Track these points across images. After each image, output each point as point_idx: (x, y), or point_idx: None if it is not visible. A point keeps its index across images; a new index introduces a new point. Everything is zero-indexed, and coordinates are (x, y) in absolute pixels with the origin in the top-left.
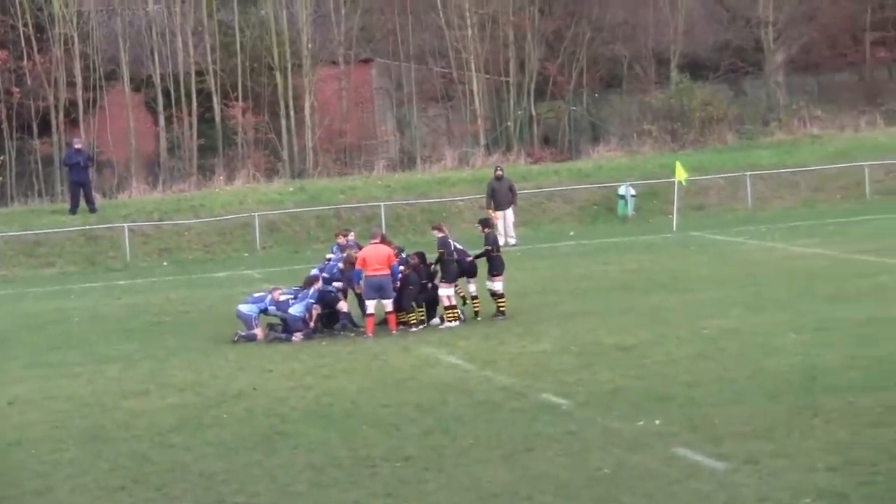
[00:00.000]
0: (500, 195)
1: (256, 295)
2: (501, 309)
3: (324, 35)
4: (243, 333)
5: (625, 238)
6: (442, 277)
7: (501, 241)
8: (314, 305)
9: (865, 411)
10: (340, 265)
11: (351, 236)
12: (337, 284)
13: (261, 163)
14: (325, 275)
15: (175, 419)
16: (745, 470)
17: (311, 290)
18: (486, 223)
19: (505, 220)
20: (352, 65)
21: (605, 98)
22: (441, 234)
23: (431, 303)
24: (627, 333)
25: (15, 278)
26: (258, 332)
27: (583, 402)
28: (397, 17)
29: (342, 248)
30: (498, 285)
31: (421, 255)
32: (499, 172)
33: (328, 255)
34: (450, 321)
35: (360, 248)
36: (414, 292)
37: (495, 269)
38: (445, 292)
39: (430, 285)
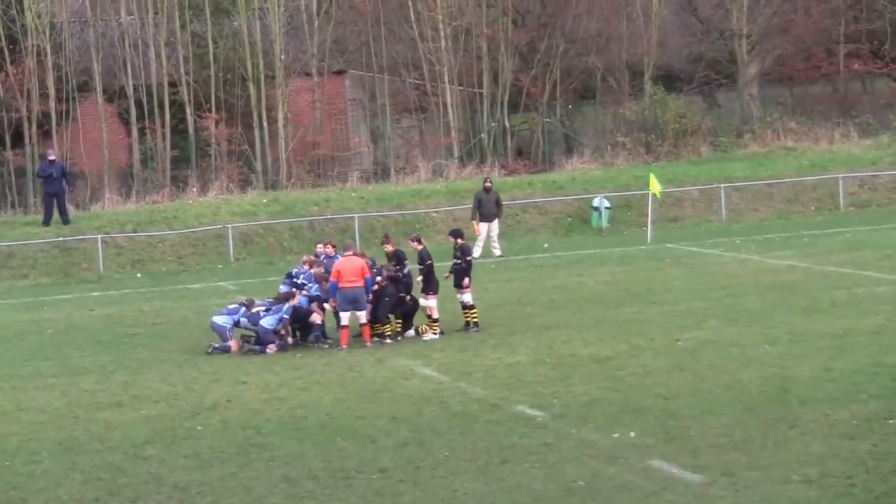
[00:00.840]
0: (486, 207)
1: (230, 307)
2: (473, 320)
3: (297, 46)
4: (217, 345)
5: (599, 250)
6: (424, 289)
7: (478, 254)
8: (286, 319)
9: (841, 423)
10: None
11: (319, 248)
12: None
13: (234, 174)
14: (299, 280)
15: (149, 431)
16: (721, 482)
17: (286, 306)
18: (458, 234)
19: (489, 232)
20: (325, 76)
21: (578, 110)
22: (420, 247)
23: (408, 314)
24: (603, 345)
25: None
26: (232, 343)
27: (558, 414)
28: (370, 28)
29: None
30: (467, 297)
31: (399, 256)
32: (487, 184)
33: (294, 269)
34: (433, 333)
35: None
36: (390, 304)
37: (461, 280)
38: (429, 303)
39: (408, 297)
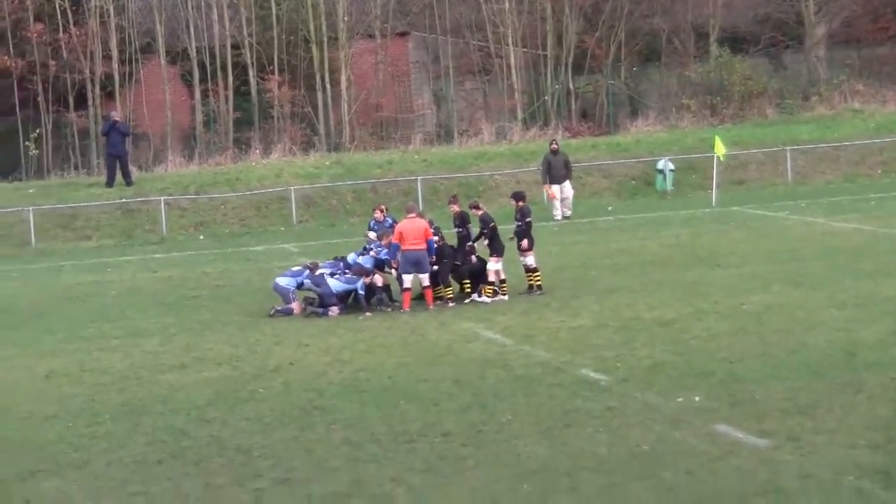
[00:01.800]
0: (555, 169)
1: (294, 269)
2: (537, 283)
3: (360, 8)
4: (279, 308)
5: (663, 213)
6: (491, 252)
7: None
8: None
9: None
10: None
11: (377, 214)
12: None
13: (297, 136)
14: (381, 256)
15: (212, 393)
16: (787, 447)
17: (360, 282)
18: (519, 196)
19: (562, 194)
20: (388, 38)
21: (643, 72)
22: (480, 212)
23: (476, 275)
24: (667, 308)
25: (52, 251)
26: (295, 306)
27: (622, 378)
28: None
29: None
30: (530, 259)
31: (463, 217)
32: (554, 146)
33: (369, 234)
34: (486, 296)
35: (395, 223)
36: (449, 266)
37: (528, 242)
38: (494, 267)
39: (473, 258)
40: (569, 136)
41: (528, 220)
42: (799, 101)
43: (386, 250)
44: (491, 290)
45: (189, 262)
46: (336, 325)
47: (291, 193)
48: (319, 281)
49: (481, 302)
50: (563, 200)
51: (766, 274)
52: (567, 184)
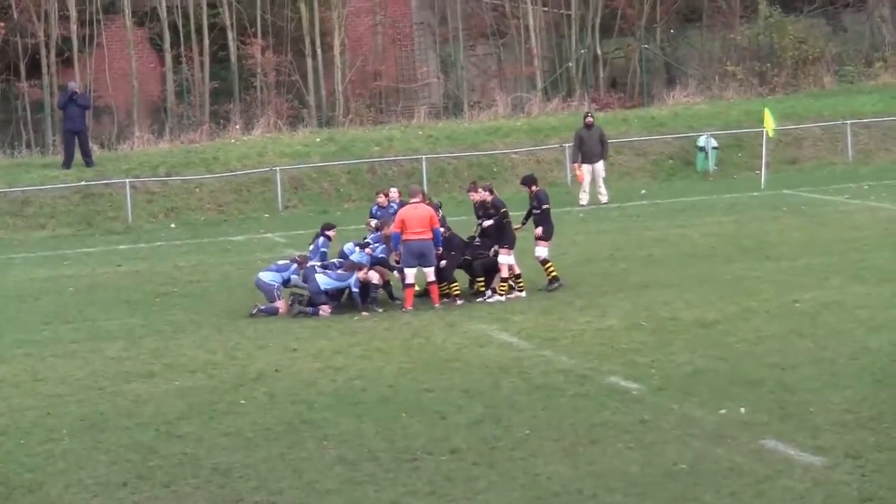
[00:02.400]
0: (589, 146)
1: (280, 263)
2: (551, 275)
3: None
4: (262, 307)
5: (705, 197)
6: (503, 243)
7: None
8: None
9: None
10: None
11: (393, 193)
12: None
13: (283, 109)
14: (377, 254)
15: (184, 405)
16: (846, 465)
17: (353, 277)
18: (531, 181)
19: (594, 175)
20: None
21: (682, 35)
22: (491, 196)
23: (489, 270)
24: (709, 307)
25: (0, 242)
26: (280, 304)
27: (657, 387)
28: None
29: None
30: (541, 251)
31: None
32: (589, 119)
33: (370, 221)
34: (499, 295)
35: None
36: (457, 258)
37: (544, 231)
38: (507, 260)
39: (491, 252)
40: (596, 109)
41: (545, 206)
42: (861, 68)
43: (383, 247)
44: (506, 287)
45: (158, 255)
46: (328, 327)
47: (277, 175)
48: (308, 276)
49: (495, 301)
50: (596, 182)
51: (823, 267)
52: (601, 164)
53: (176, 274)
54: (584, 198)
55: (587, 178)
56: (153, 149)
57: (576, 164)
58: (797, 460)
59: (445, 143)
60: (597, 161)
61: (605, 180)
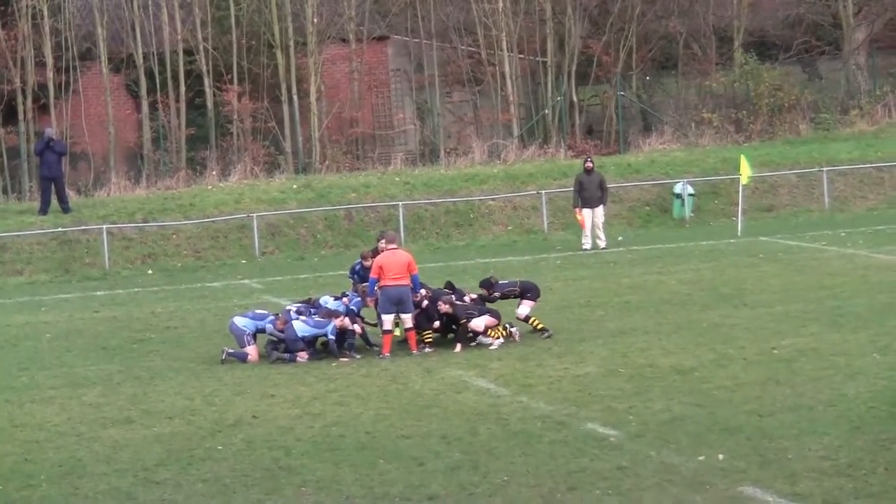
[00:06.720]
0: (589, 191)
1: (258, 311)
2: (540, 326)
3: (332, 8)
4: (231, 351)
5: (682, 244)
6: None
7: (587, 245)
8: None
9: None
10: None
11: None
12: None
13: (259, 156)
14: (353, 307)
15: (162, 451)
16: None
17: (331, 325)
18: (488, 285)
19: (594, 219)
20: (364, 42)
21: (658, 82)
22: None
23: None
24: (686, 354)
25: None
26: (251, 350)
27: (635, 434)
28: None
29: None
30: (525, 309)
31: (450, 286)
32: (589, 164)
33: (359, 286)
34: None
35: None
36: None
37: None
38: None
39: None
40: (572, 155)
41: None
42: (836, 116)
43: (359, 301)
44: (498, 333)
45: (136, 301)
46: (305, 373)
47: (254, 221)
48: (286, 328)
49: (497, 345)
50: (595, 228)
51: (800, 314)
52: (600, 209)
53: (153, 320)
54: (586, 242)
55: (588, 224)
56: (130, 195)
57: (577, 209)
58: None
59: (422, 189)
60: (596, 206)
61: (604, 225)
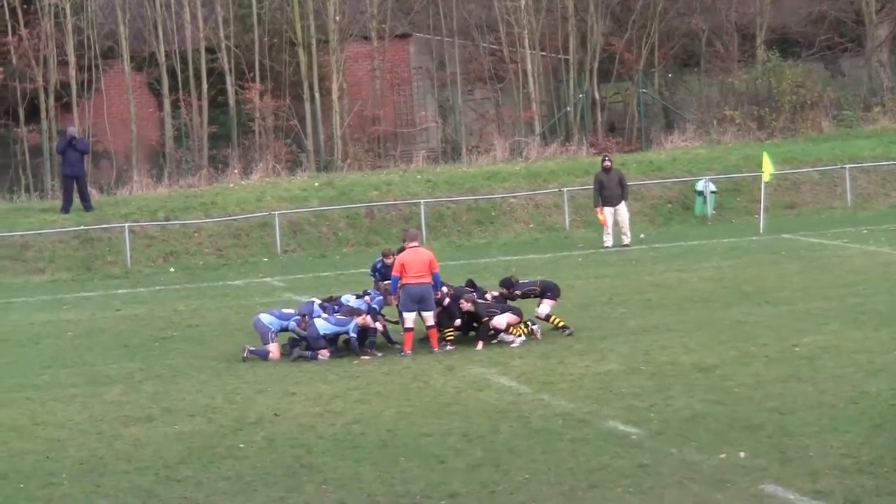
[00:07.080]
0: (609, 189)
1: (285, 311)
2: (561, 324)
3: (354, 6)
4: (253, 348)
5: (704, 241)
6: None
7: (609, 242)
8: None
9: None
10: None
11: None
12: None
13: (281, 154)
14: (375, 305)
15: (184, 449)
16: None
17: (353, 323)
18: (508, 284)
19: (617, 217)
20: (386, 40)
21: (680, 79)
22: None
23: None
24: (707, 352)
25: None
26: (273, 348)
27: (656, 432)
28: None
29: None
30: (545, 308)
31: (471, 284)
32: (607, 163)
33: (381, 283)
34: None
35: None
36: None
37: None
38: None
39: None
40: (594, 153)
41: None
42: (859, 113)
43: (381, 299)
44: (520, 331)
45: (157, 299)
46: (327, 371)
47: (275, 219)
48: (309, 327)
49: (520, 342)
50: (620, 225)
51: (822, 312)
52: (622, 206)
53: (175, 318)
54: (607, 240)
55: (610, 221)
56: (152, 193)
57: (598, 209)
58: None
59: (444, 187)
60: (617, 203)
61: (628, 222)
